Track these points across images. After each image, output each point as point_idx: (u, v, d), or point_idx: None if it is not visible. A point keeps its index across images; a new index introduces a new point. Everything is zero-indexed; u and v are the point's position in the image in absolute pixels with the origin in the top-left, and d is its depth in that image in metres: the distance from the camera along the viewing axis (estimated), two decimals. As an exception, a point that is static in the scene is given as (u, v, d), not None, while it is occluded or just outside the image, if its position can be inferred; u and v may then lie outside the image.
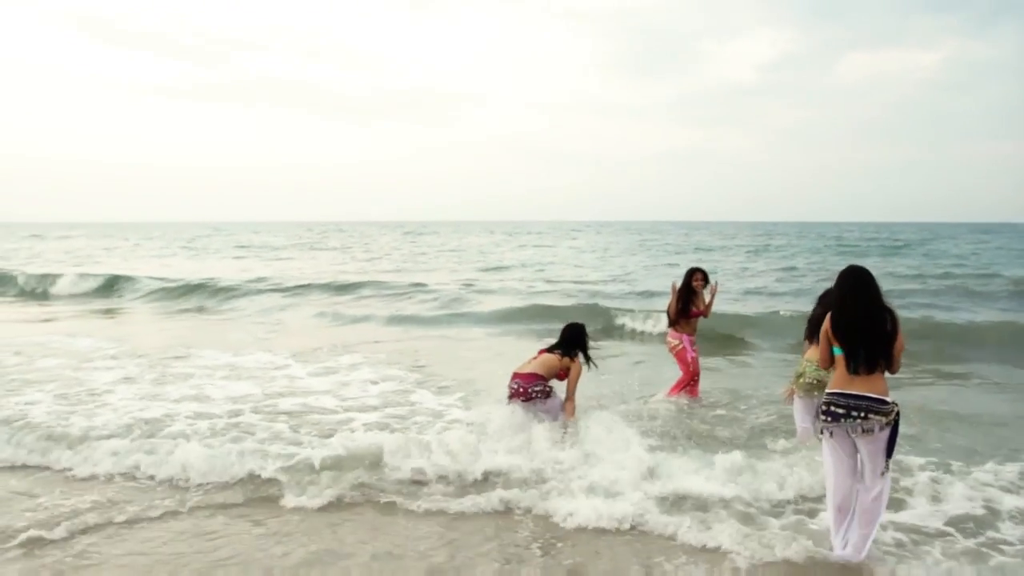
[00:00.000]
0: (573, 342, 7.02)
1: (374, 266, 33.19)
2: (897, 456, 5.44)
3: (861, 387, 4.31)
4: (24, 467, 6.24)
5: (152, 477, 5.89)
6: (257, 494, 5.58)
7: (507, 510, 5.29)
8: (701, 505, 5.20)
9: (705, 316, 8.41)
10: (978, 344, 12.43)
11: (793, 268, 29.74)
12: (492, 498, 5.37)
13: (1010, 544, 4.72)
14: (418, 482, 5.70)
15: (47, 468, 6.18)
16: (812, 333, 6.06)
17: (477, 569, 4.44)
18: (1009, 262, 31.89)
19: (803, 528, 4.89)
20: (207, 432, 6.91)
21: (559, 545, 4.77)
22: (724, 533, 4.75)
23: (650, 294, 19.80)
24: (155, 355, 11.19)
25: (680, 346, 8.28)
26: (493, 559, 4.57)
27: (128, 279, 24.22)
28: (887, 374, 4.36)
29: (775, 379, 9.41)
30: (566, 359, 6.90)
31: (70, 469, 6.08)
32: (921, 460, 6.12)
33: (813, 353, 5.95)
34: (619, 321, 15.01)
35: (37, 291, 23.02)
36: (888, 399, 4.28)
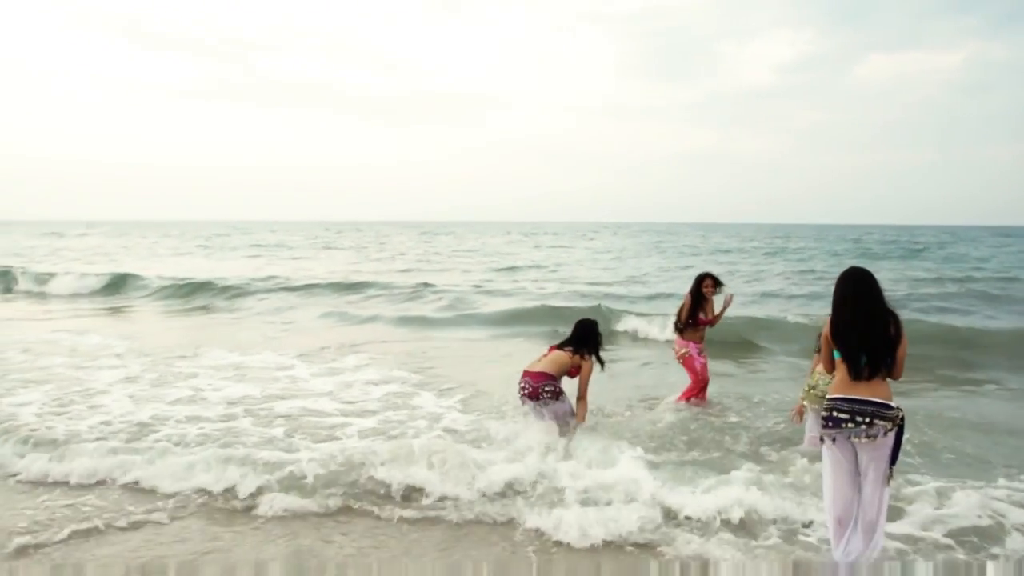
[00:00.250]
0: (585, 339, 6.84)
1: (386, 266, 33.19)
2: (903, 464, 5.26)
3: (865, 392, 4.14)
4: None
5: (126, 485, 5.70)
6: (234, 503, 5.39)
7: (497, 522, 5.12)
8: (699, 518, 5.02)
9: (712, 326, 8.13)
10: (995, 350, 12.09)
11: (811, 271, 29.42)
12: (483, 509, 5.22)
13: (1010, 560, 4.52)
14: (406, 494, 5.51)
15: (17, 474, 5.97)
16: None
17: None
18: (1030, 266, 31.45)
19: (803, 542, 4.73)
20: (194, 437, 6.78)
21: (552, 557, 4.64)
22: (723, 547, 4.61)
23: (665, 296, 19.53)
24: (161, 354, 11.18)
25: (687, 353, 8.01)
26: (482, 572, 4.43)
27: (136, 277, 24.23)
28: (890, 380, 4.21)
29: (787, 385, 9.21)
30: (577, 356, 6.73)
31: (47, 476, 5.86)
32: (928, 468, 5.93)
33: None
34: (628, 324, 14.75)
35: (46, 289, 23.09)
36: (893, 404, 4.12)
